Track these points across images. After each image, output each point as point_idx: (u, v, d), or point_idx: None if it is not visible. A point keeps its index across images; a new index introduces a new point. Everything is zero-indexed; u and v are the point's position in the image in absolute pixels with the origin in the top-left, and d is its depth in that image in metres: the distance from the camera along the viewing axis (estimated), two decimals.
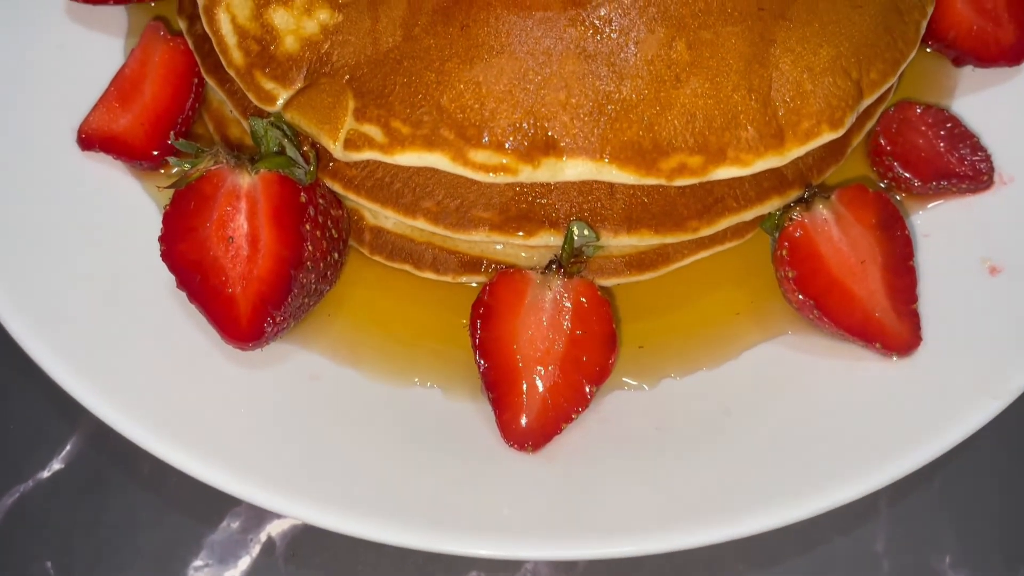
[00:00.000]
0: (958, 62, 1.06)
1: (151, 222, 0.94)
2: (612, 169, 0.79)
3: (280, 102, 0.84)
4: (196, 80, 0.99)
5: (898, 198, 1.02)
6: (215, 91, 0.93)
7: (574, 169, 0.79)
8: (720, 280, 0.97)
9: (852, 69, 0.85)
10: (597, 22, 0.80)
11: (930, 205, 1.01)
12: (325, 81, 0.83)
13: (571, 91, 0.79)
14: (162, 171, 1.00)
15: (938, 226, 1.00)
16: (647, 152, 0.79)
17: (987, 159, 1.01)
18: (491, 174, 0.78)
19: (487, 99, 0.79)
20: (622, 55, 0.80)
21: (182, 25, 0.96)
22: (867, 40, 0.86)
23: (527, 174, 0.79)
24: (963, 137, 1.02)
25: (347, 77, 0.82)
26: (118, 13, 1.10)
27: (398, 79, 0.81)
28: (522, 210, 0.85)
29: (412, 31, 0.81)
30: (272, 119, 0.85)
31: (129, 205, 0.99)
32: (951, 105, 1.09)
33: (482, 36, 0.80)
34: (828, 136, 0.82)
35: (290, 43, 0.85)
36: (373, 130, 0.80)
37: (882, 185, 1.02)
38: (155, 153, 0.98)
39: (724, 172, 0.81)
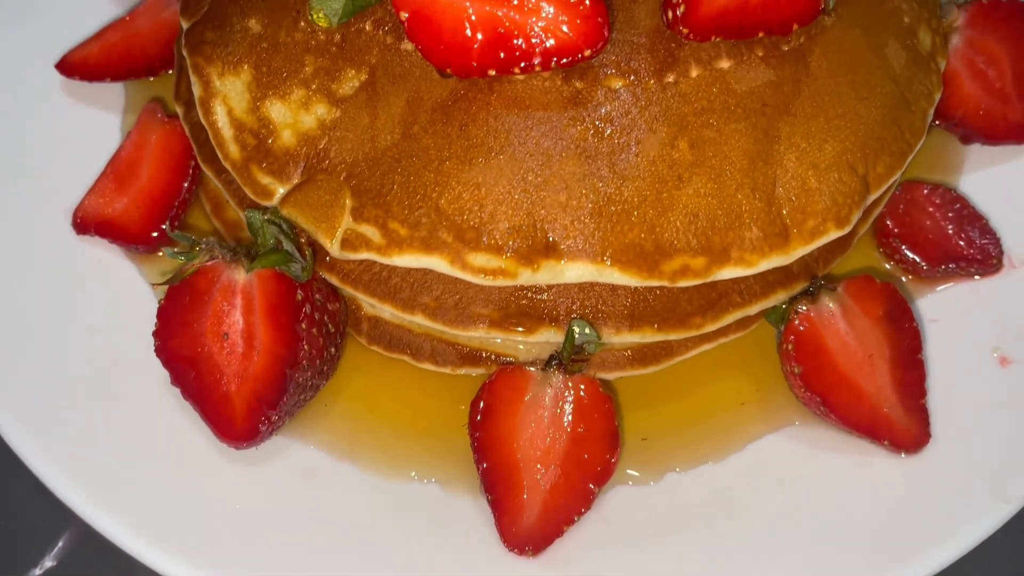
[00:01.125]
0: (966, 140, 1.05)
1: (147, 309, 0.92)
2: (614, 272, 0.78)
3: (277, 197, 0.83)
4: (193, 163, 0.98)
5: (904, 279, 1.00)
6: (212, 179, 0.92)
7: (575, 272, 0.78)
8: (724, 368, 0.95)
9: (858, 164, 0.83)
10: (598, 122, 0.78)
11: (938, 288, 1.00)
12: (322, 178, 0.82)
13: (571, 192, 0.78)
14: (160, 252, 0.98)
15: (947, 311, 0.98)
16: (649, 254, 0.78)
17: (996, 242, 0.99)
18: (490, 278, 0.77)
19: (486, 201, 0.78)
20: (623, 155, 0.78)
21: (178, 110, 0.95)
22: (874, 133, 0.84)
23: (526, 277, 0.78)
24: (972, 219, 1.00)
25: (345, 174, 0.81)
26: (116, 88, 1.09)
27: (396, 178, 0.79)
28: (522, 307, 0.83)
29: (411, 129, 0.80)
30: (269, 213, 0.84)
31: (125, 291, 0.97)
32: (959, 182, 1.07)
33: (481, 136, 0.79)
34: (834, 234, 0.81)
35: (287, 137, 0.83)
36: (370, 231, 0.79)
37: (888, 267, 1.01)
38: (154, 235, 0.96)
39: (728, 273, 0.79)
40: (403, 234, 0.78)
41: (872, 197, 0.84)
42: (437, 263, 0.78)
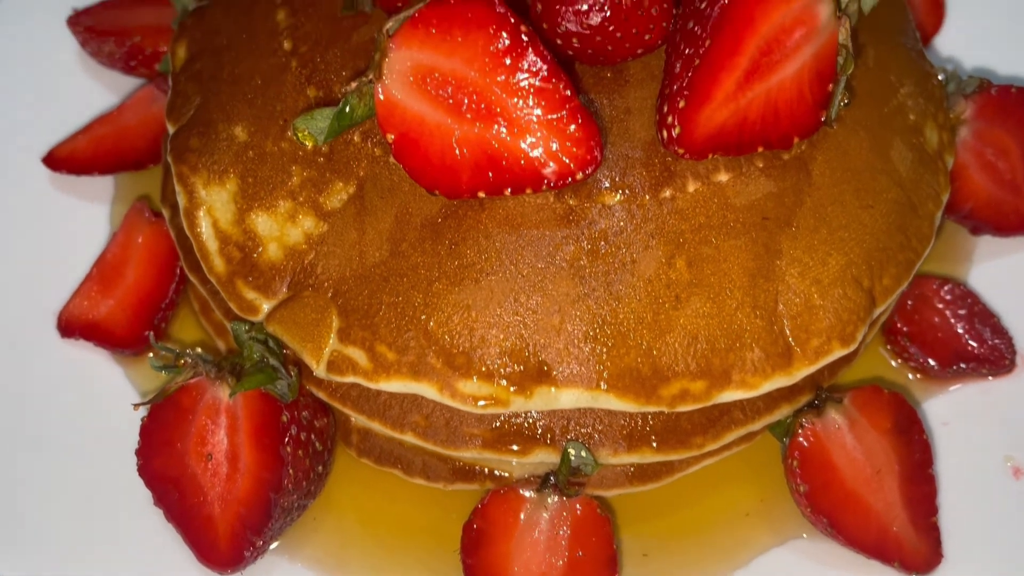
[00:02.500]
0: (976, 231, 1.02)
1: (133, 417, 0.90)
2: (610, 398, 0.75)
3: (262, 313, 0.80)
4: (180, 264, 0.96)
5: (914, 377, 0.97)
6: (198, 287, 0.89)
7: (569, 398, 0.75)
8: (727, 478, 0.91)
9: (863, 277, 0.80)
10: (592, 241, 0.76)
11: (949, 388, 0.97)
12: (309, 295, 0.79)
13: (565, 315, 0.75)
14: (150, 354, 0.96)
15: (958, 414, 0.94)
16: (646, 379, 0.75)
17: (1008, 342, 0.96)
18: (481, 406, 0.74)
19: (476, 324, 0.75)
20: (618, 275, 0.75)
21: (165, 213, 0.93)
22: (879, 243, 0.82)
23: (519, 404, 0.75)
24: (983, 317, 0.97)
25: (332, 292, 0.79)
26: (105, 179, 1.07)
27: (384, 298, 0.77)
28: (516, 427, 0.80)
29: (399, 246, 0.77)
30: (254, 329, 0.81)
31: (110, 395, 0.95)
32: (969, 273, 1.04)
33: (471, 255, 0.76)
34: (839, 353, 0.78)
35: (273, 251, 0.81)
36: (357, 353, 0.76)
37: (895, 364, 0.98)
38: (145, 334, 0.93)
39: (729, 396, 0.76)
40: (390, 359, 0.75)
41: (878, 311, 0.81)
42: (426, 390, 0.75)
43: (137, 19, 1.09)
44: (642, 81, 0.81)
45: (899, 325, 0.97)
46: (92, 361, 0.96)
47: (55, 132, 1.08)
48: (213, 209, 0.83)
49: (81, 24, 1.08)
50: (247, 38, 0.89)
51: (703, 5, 0.72)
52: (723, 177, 0.79)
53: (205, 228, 0.83)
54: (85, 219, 1.05)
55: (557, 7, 0.75)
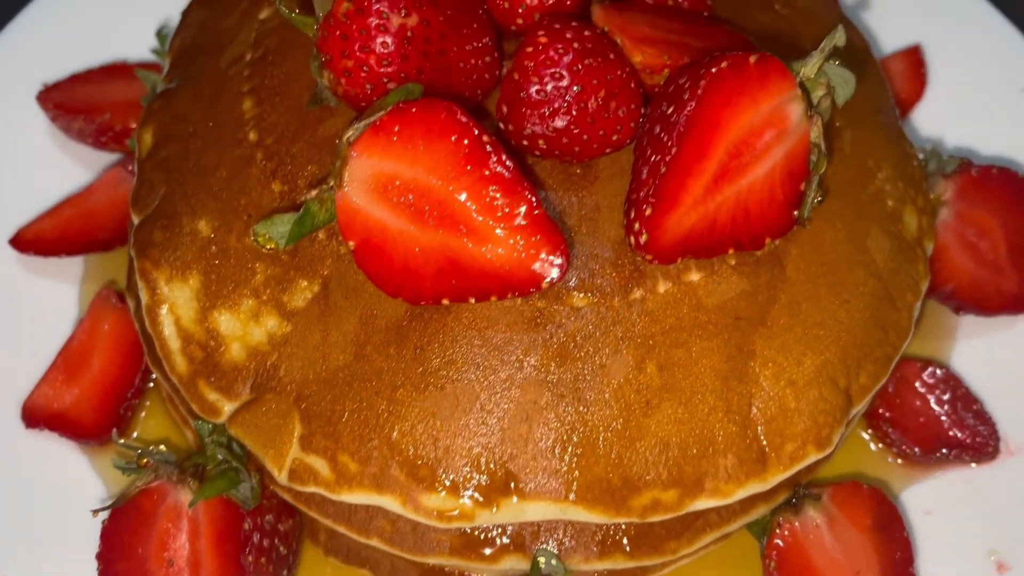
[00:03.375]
0: (959, 311, 1.00)
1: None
2: (579, 510, 0.72)
3: (224, 416, 0.79)
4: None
5: (893, 461, 0.95)
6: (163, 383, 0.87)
7: (537, 511, 0.73)
8: (705, 568, 0.90)
9: (840, 377, 0.78)
10: (560, 346, 0.74)
11: (932, 475, 0.95)
12: (271, 398, 0.77)
13: (533, 423, 0.73)
14: (117, 442, 0.94)
15: (941, 503, 0.92)
16: (616, 490, 0.73)
17: (992, 428, 0.94)
18: (445, 520, 0.72)
19: (441, 434, 0.73)
20: (587, 382, 0.74)
21: (130, 304, 0.91)
22: (856, 340, 0.80)
23: (485, 518, 0.73)
24: (966, 402, 0.95)
25: (295, 395, 0.77)
26: (74, 259, 1.05)
27: (347, 404, 0.75)
28: (485, 533, 0.78)
29: (364, 350, 0.75)
30: (216, 433, 0.80)
31: (75, 485, 0.93)
32: (952, 350, 1.02)
33: (437, 361, 0.74)
34: (815, 457, 0.76)
35: (236, 351, 0.79)
36: (319, 463, 0.74)
37: (873, 448, 0.96)
38: (112, 429, 0.92)
39: (702, 504, 0.74)
40: (353, 469, 0.73)
41: (855, 411, 0.79)
42: (389, 503, 0.73)
43: (107, 94, 1.08)
44: (612, 176, 0.79)
45: (881, 410, 0.95)
46: (57, 451, 0.94)
47: (25, 210, 1.06)
48: (176, 306, 0.82)
49: (51, 101, 1.07)
50: (213, 127, 0.87)
51: (669, 111, 0.71)
52: (694, 277, 0.77)
53: (167, 326, 0.81)
54: (54, 299, 1.03)
55: (523, 110, 0.73)
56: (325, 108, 0.83)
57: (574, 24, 0.74)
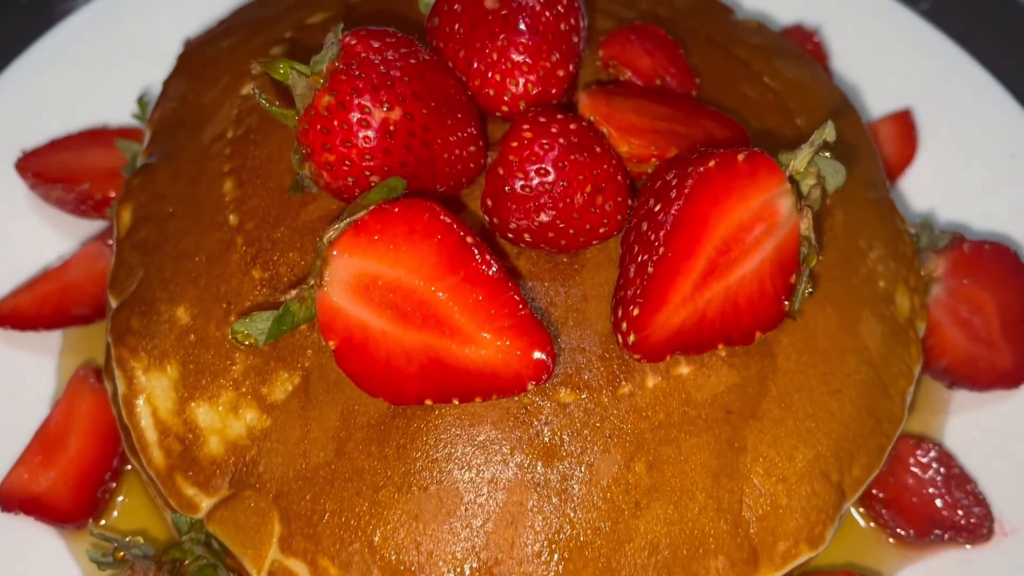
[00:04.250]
0: (953, 386, 0.98)
1: None
2: None
3: (202, 511, 0.77)
4: None
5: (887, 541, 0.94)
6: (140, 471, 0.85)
7: None
8: None
9: (832, 471, 0.77)
10: (547, 445, 0.72)
11: (926, 556, 0.93)
12: (250, 495, 0.75)
13: (518, 527, 0.72)
14: (94, 533, 0.91)
15: None
16: None
17: (986, 509, 0.92)
18: None
19: (423, 538, 0.71)
20: (574, 482, 0.72)
21: (107, 388, 0.89)
22: (848, 431, 0.78)
23: None
24: (960, 482, 0.93)
25: (274, 492, 0.75)
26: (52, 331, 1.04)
27: (328, 504, 0.73)
28: None
29: (345, 447, 0.74)
30: (194, 529, 0.78)
31: (52, 570, 0.90)
32: (945, 425, 1.01)
33: (420, 461, 0.72)
34: (807, 555, 0.74)
35: (215, 445, 0.77)
36: (299, 566, 0.72)
37: (869, 526, 0.94)
38: (87, 510, 0.90)
39: None
40: (333, 574, 0.71)
41: (848, 504, 0.78)
42: None
43: (86, 162, 1.06)
44: (599, 265, 0.78)
45: (874, 490, 0.93)
46: (34, 534, 0.92)
47: (2, 278, 1.04)
48: (153, 397, 0.80)
49: (29, 168, 1.05)
50: (193, 209, 0.85)
51: (656, 208, 0.69)
52: (684, 370, 0.75)
53: (144, 418, 0.79)
54: (31, 372, 1.01)
55: (508, 204, 0.72)
56: (307, 193, 0.82)
57: (559, 116, 0.73)
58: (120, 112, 1.15)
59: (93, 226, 1.09)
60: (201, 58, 0.99)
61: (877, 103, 1.19)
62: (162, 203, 0.88)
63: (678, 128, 0.78)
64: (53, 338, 1.03)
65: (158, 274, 0.84)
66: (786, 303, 0.73)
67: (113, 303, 0.86)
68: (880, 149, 1.12)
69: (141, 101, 1.07)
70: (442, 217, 0.67)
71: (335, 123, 0.71)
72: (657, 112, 0.79)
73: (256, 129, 0.87)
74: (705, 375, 0.76)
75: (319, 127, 0.71)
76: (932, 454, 0.94)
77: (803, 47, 1.17)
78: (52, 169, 1.05)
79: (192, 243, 0.84)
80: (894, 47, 1.20)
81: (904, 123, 1.14)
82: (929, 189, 1.12)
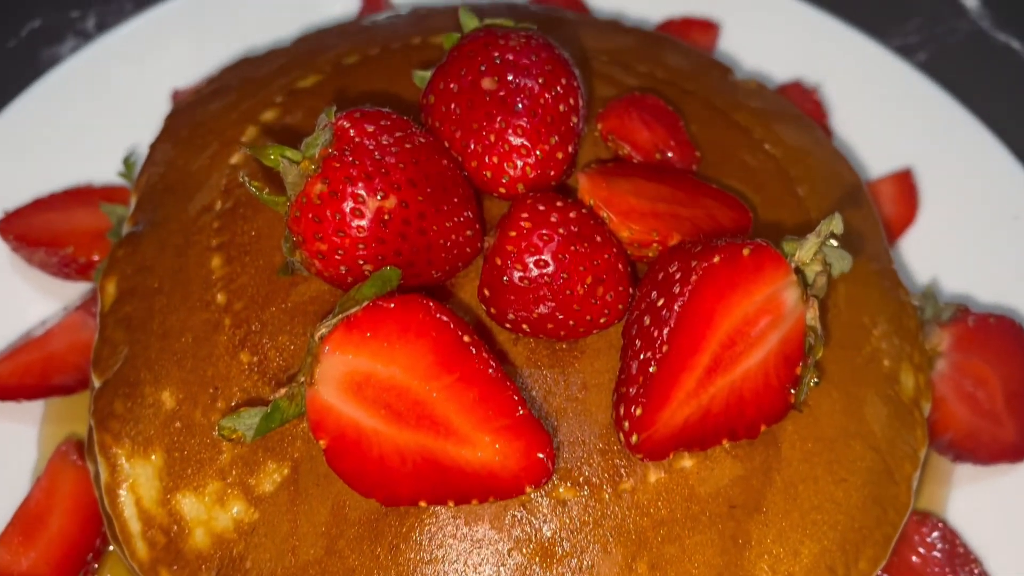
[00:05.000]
0: (957, 460, 0.97)
1: None
2: None
3: None
4: None
5: None
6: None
7: None
8: None
9: (838, 565, 0.75)
10: (545, 545, 0.70)
11: None
12: None
13: None
14: None
15: None
16: None
17: None
18: None
19: None
20: None
21: (90, 469, 0.86)
22: (854, 522, 0.76)
23: None
24: (964, 560, 0.91)
25: None
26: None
27: None
28: None
29: (336, 544, 0.71)
30: None
31: None
32: (948, 497, 0.99)
33: (413, 560, 0.70)
34: None
35: (200, 537, 0.74)
36: None
37: None
38: None
39: None
40: None
41: None
42: None
43: (71, 224, 1.03)
44: (599, 351, 0.75)
45: (879, 571, 0.91)
46: None
47: None
48: (137, 485, 0.77)
49: (11, 231, 1.02)
50: (180, 285, 0.83)
51: (660, 302, 0.67)
52: (687, 463, 0.73)
53: (128, 507, 0.76)
54: (12, 442, 0.98)
55: (506, 296, 0.70)
56: (298, 272, 0.80)
57: (559, 203, 0.71)
58: (106, 169, 1.12)
59: (77, 288, 1.07)
60: (189, 121, 0.96)
61: (876, 161, 1.17)
62: (148, 276, 0.85)
63: (680, 210, 0.76)
64: (35, 406, 1.01)
65: (143, 353, 0.81)
66: (792, 394, 0.71)
67: (96, 382, 0.83)
68: (880, 209, 1.11)
69: (128, 162, 1.04)
70: (438, 315, 0.65)
71: (327, 212, 0.68)
72: (658, 193, 0.77)
73: (245, 203, 0.85)
74: (709, 468, 0.73)
75: (311, 215, 0.69)
76: (936, 533, 0.92)
77: (802, 105, 1.16)
78: (35, 231, 1.02)
79: (178, 321, 0.81)
80: (894, 104, 1.19)
81: (904, 184, 1.12)
82: (930, 252, 1.10)
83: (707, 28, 1.22)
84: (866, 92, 1.19)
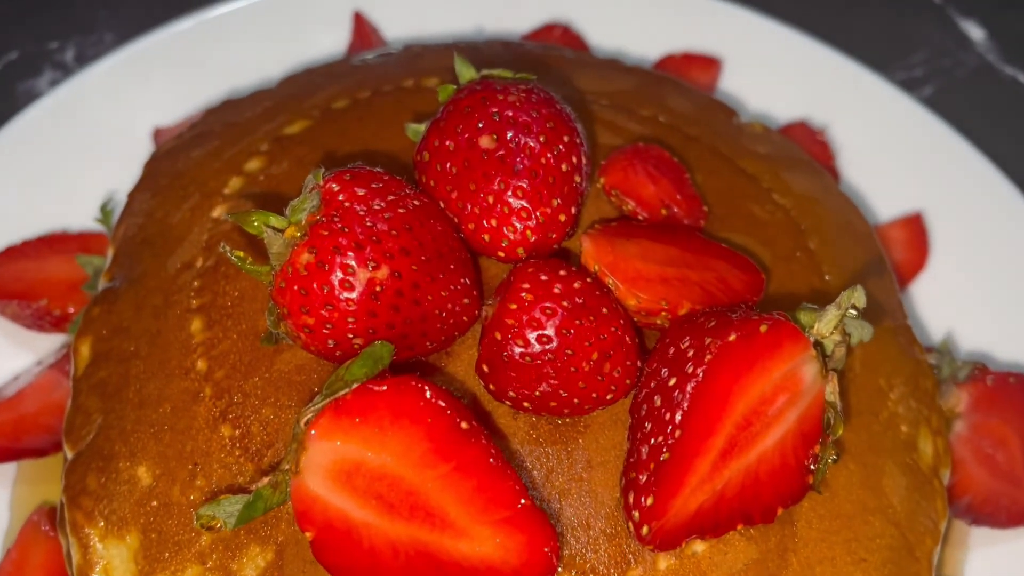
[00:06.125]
0: (974, 523, 0.92)
1: None
2: None
3: None
4: None
5: None
6: None
7: None
8: None
9: None
10: None
11: None
12: None
13: None
14: None
15: None
16: None
17: None
18: None
19: None
20: None
21: (62, 544, 0.81)
22: None
23: None
24: None
25: None
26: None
27: None
28: None
29: None
30: None
31: None
32: (965, 561, 0.95)
33: None
34: None
35: None
36: None
37: None
38: None
39: None
40: None
41: None
42: None
43: (44, 273, 0.98)
44: (604, 426, 0.71)
45: None
46: None
47: None
48: (111, 568, 0.72)
49: None
50: (158, 349, 0.78)
51: (671, 382, 0.63)
52: (699, 548, 0.69)
53: None
54: None
55: (507, 373, 0.65)
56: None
57: (562, 272, 0.66)
58: (83, 212, 1.07)
59: (52, 340, 1.02)
60: (169, 169, 0.91)
61: (885, 200, 1.13)
62: (124, 339, 0.80)
63: (689, 274, 0.72)
64: (7, 467, 0.96)
65: (118, 424, 0.76)
66: (810, 474, 0.67)
67: (68, 453, 0.78)
68: (889, 254, 1.07)
69: (105, 209, 0.99)
70: (434, 398, 0.60)
71: (315, 285, 0.63)
72: (666, 255, 0.73)
73: (227, 261, 0.80)
74: (722, 552, 0.69)
75: (296, 287, 0.64)
76: None
77: (809, 147, 1.12)
78: (7, 282, 0.97)
79: (156, 390, 0.76)
80: (902, 143, 1.14)
81: (914, 228, 1.08)
82: (942, 299, 1.06)
83: (708, 64, 1.18)
84: (873, 130, 1.15)
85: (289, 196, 0.78)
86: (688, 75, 1.18)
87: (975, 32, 1.41)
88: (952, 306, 1.07)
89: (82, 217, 1.07)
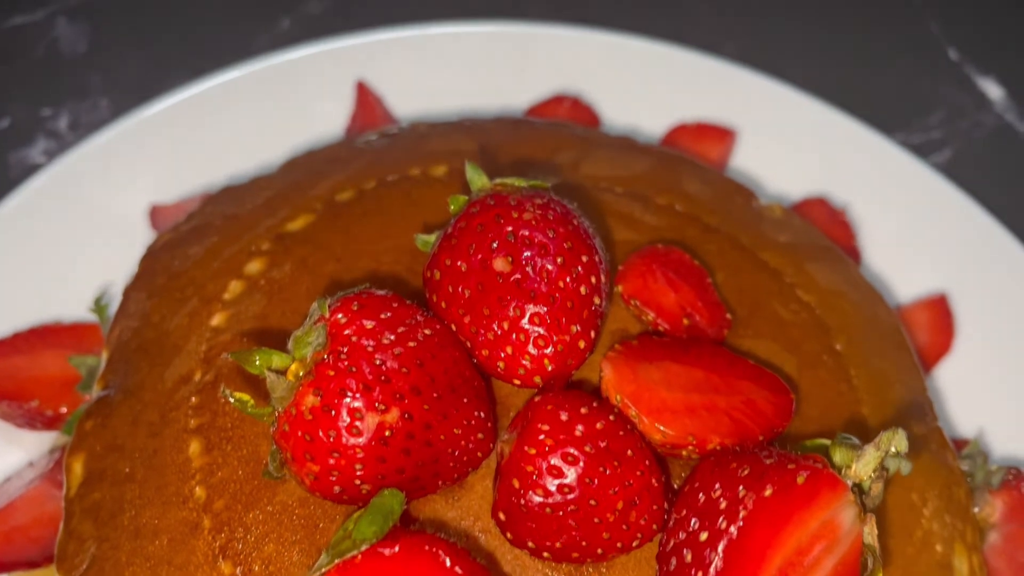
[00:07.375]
0: None
1: None
2: None
3: None
4: None
5: None
6: None
7: None
8: None
9: None
10: None
11: None
12: None
13: None
14: None
15: None
16: None
17: None
18: None
19: None
20: None
21: None
22: None
23: None
24: None
25: None
26: None
27: None
28: None
29: None
30: None
31: None
32: None
33: None
34: None
35: None
36: None
37: None
38: None
39: None
40: None
41: None
42: None
43: (36, 370, 0.93)
44: (628, 569, 0.66)
45: None
46: None
47: None
48: None
49: None
50: (155, 472, 0.74)
51: (703, 537, 0.59)
52: None
53: None
54: None
55: (526, 523, 0.61)
56: None
57: (583, 410, 0.62)
58: (77, 297, 1.03)
59: (44, 438, 0.98)
60: (166, 267, 0.87)
61: (906, 280, 1.09)
62: (119, 459, 0.76)
63: (716, 400, 0.68)
64: None
65: (113, 555, 0.72)
66: None
67: None
68: (912, 337, 1.03)
69: (99, 303, 0.95)
70: (448, 563, 0.56)
71: (320, 431, 0.59)
72: (691, 380, 0.69)
73: (227, 375, 0.76)
74: None
75: (301, 433, 0.60)
76: None
77: (829, 227, 1.08)
78: None
79: (153, 518, 0.72)
80: (923, 220, 1.10)
81: (939, 310, 1.04)
82: (967, 382, 1.02)
83: (722, 136, 1.15)
84: (893, 205, 1.11)
85: (290, 303, 0.74)
86: (702, 146, 1.15)
87: (993, 90, 1.37)
88: (978, 389, 1.02)
89: (76, 303, 1.03)
